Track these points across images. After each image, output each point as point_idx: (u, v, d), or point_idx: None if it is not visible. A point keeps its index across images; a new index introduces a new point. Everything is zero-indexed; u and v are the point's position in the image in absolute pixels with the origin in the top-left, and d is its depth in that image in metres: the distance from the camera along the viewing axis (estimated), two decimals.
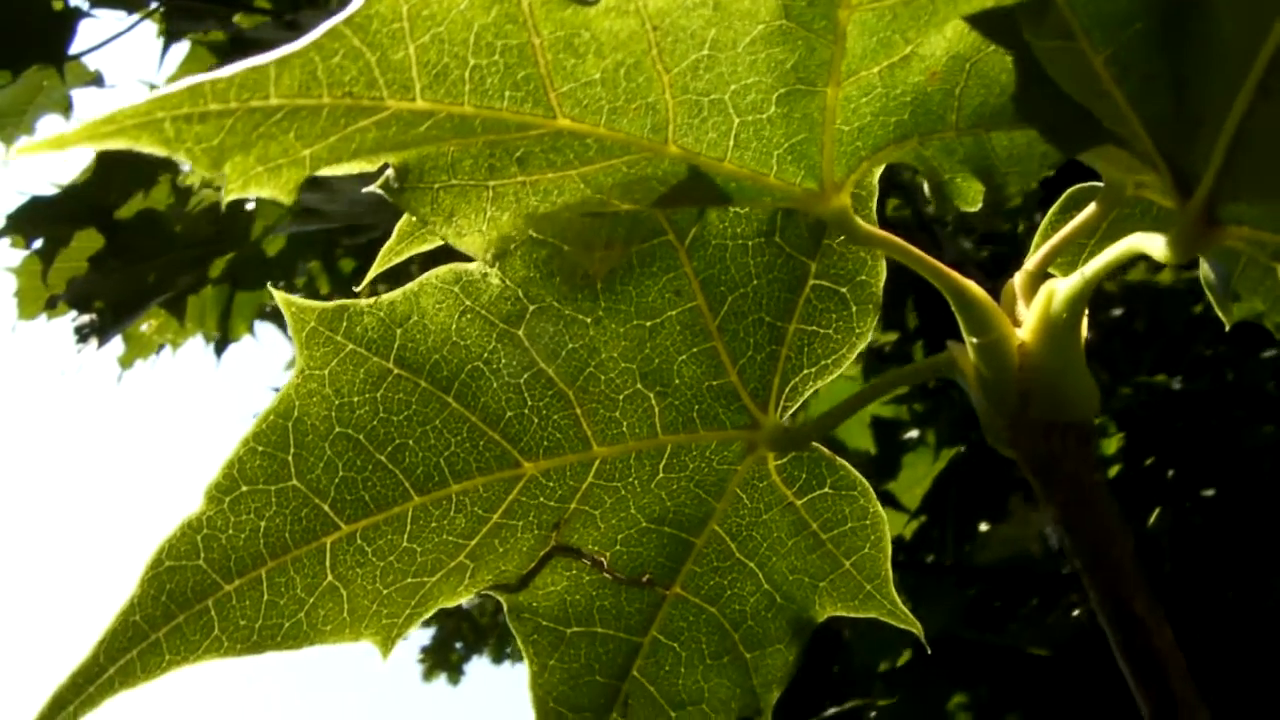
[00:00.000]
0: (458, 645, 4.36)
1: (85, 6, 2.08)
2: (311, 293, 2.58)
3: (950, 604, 2.01)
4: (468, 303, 0.43)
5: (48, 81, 2.10)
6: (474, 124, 0.35)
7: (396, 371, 0.43)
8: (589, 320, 0.44)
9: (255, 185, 0.34)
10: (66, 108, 2.19)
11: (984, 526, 2.14)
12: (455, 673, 4.47)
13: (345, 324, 0.43)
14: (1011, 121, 0.37)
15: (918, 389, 2.19)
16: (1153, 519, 2.02)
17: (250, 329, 2.36)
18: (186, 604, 0.42)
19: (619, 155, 0.37)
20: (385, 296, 0.43)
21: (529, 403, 0.44)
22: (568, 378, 0.44)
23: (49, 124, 2.23)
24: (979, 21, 0.35)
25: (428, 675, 4.45)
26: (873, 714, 1.90)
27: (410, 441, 0.44)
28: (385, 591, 0.44)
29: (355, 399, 0.43)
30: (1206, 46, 0.32)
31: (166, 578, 0.42)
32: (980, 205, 0.39)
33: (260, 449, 0.43)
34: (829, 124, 0.38)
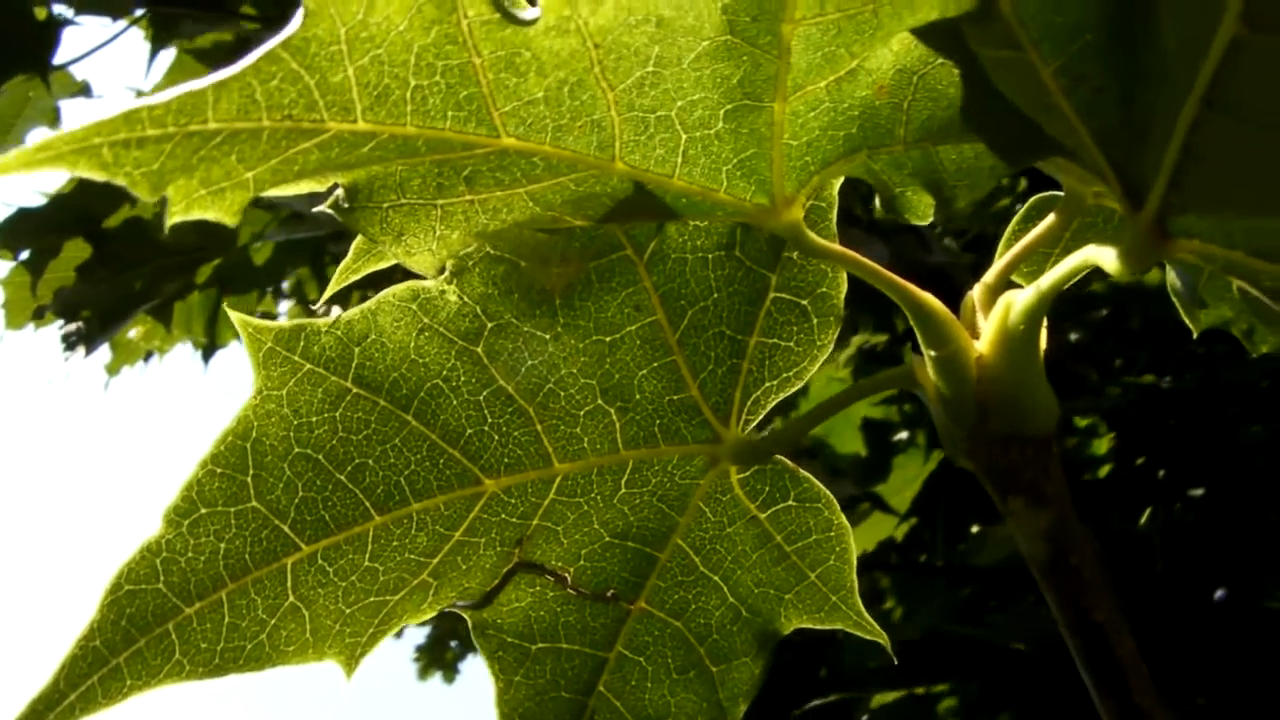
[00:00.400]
0: (452, 644, 4.35)
1: (69, 14, 2.08)
2: (299, 299, 2.58)
3: (941, 604, 2.01)
4: (426, 320, 0.43)
5: (34, 93, 2.10)
6: (418, 144, 0.35)
7: (355, 390, 0.43)
8: (548, 336, 0.44)
9: (199, 208, 0.34)
10: (54, 118, 2.19)
11: (975, 528, 2.14)
12: (450, 671, 4.46)
13: (303, 344, 0.43)
14: (959, 135, 0.37)
15: (907, 391, 2.19)
16: (1144, 519, 2.02)
17: (237, 335, 2.35)
18: (147, 628, 0.42)
19: (566, 173, 0.37)
20: (343, 315, 0.43)
21: (489, 420, 0.44)
22: (528, 394, 0.44)
23: (38, 136, 2.23)
24: (925, 35, 0.35)
25: (423, 674, 4.44)
26: (865, 718, 1.90)
27: (370, 461, 0.43)
28: (348, 611, 0.44)
29: (314, 419, 0.43)
30: (1153, 60, 0.32)
31: (126, 602, 0.41)
32: (931, 218, 0.39)
33: (219, 471, 0.42)
34: (777, 139, 0.37)
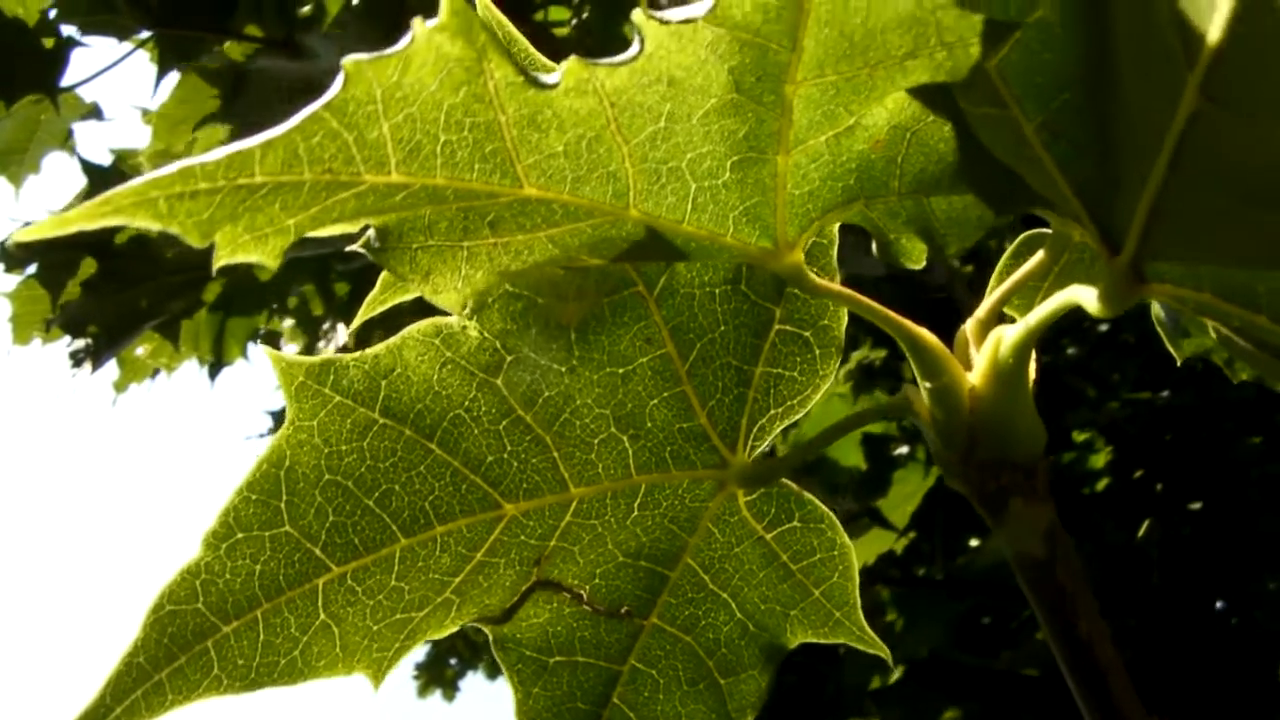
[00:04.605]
0: (452, 662, 4.36)
1: (76, 35, 2.10)
2: (305, 315, 2.60)
3: (942, 618, 2.03)
4: (448, 354, 0.46)
5: (45, 115, 2.12)
6: (446, 193, 0.37)
7: (382, 421, 0.45)
8: (564, 369, 0.46)
9: (243, 252, 0.36)
10: (66, 140, 2.22)
11: (974, 541, 2.16)
12: (450, 689, 4.47)
13: (332, 377, 0.45)
14: (950, 186, 0.40)
15: None
16: (1141, 531, 2.04)
17: (244, 352, 2.38)
18: (187, 646, 0.44)
19: (584, 219, 0.40)
20: (369, 350, 0.45)
21: (508, 448, 0.46)
22: (545, 423, 0.47)
23: (53, 159, 2.25)
24: (918, 93, 0.38)
25: (422, 692, 4.45)
26: None
27: (396, 487, 0.46)
28: (375, 628, 0.46)
29: (343, 448, 0.45)
30: (1122, 122, 0.34)
31: (168, 621, 0.44)
32: (924, 263, 0.42)
33: (254, 497, 0.45)
34: (780, 188, 0.40)
